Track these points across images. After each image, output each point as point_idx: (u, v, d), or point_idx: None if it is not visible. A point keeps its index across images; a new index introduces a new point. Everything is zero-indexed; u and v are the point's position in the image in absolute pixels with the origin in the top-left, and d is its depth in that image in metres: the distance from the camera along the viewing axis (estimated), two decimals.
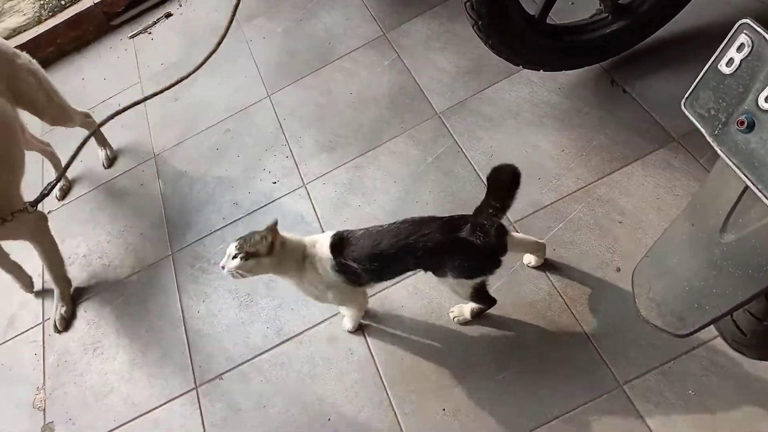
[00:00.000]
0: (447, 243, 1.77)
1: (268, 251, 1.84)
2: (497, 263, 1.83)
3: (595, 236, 2.13)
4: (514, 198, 1.68)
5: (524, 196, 2.27)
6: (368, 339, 2.19)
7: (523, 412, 1.89)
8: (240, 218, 2.69)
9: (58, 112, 2.80)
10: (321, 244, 1.89)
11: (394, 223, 1.88)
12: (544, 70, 2.32)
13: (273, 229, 1.85)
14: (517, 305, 2.07)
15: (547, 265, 2.11)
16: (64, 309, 2.65)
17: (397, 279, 2.13)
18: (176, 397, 2.31)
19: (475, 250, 1.74)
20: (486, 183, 1.69)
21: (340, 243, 1.87)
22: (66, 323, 2.65)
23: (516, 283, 2.11)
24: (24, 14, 3.96)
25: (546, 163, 2.35)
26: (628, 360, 1.86)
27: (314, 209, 2.60)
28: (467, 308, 2.07)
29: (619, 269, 2.04)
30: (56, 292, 2.66)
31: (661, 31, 2.40)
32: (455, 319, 2.11)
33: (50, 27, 3.86)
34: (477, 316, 2.07)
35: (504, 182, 1.65)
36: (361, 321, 2.22)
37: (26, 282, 2.79)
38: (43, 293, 2.82)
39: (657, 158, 2.21)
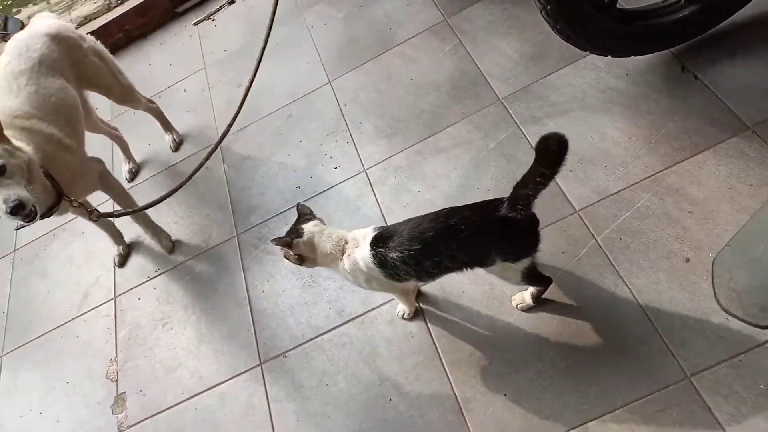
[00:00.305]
0: (487, 224, 1.76)
1: (298, 263, 1.96)
2: (538, 237, 1.83)
3: (664, 226, 2.09)
4: (562, 165, 1.66)
5: (590, 184, 2.26)
6: (428, 323, 2.22)
7: (586, 401, 1.89)
8: (303, 202, 2.72)
9: (124, 91, 2.91)
10: (362, 241, 1.91)
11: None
12: (612, 56, 2.28)
13: (289, 244, 1.91)
14: (580, 294, 2.06)
15: (612, 254, 2.09)
16: (163, 236, 2.88)
17: None
18: (241, 373, 2.39)
19: (515, 228, 1.74)
20: (535, 151, 1.67)
21: (381, 238, 1.87)
22: (173, 246, 2.90)
23: (580, 272, 2.10)
24: (95, 2, 4.10)
25: (612, 150, 2.31)
26: (695, 352, 1.84)
27: (374, 194, 2.63)
28: (527, 294, 2.07)
29: (688, 260, 2.00)
30: (141, 226, 2.85)
31: (735, 15, 2.32)
32: (518, 307, 2.12)
33: (119, 14, 3.99)
34: (538, 300, 2.07)
35: (553, 150, 1.64)
36: (421, 306, 2.25)
37: (118, 238, 2.95)
38: (115, 269, 2.95)
39: (730, 147, 2.15)
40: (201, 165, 2.59)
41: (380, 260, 1.84)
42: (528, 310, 2.10)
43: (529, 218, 1.76)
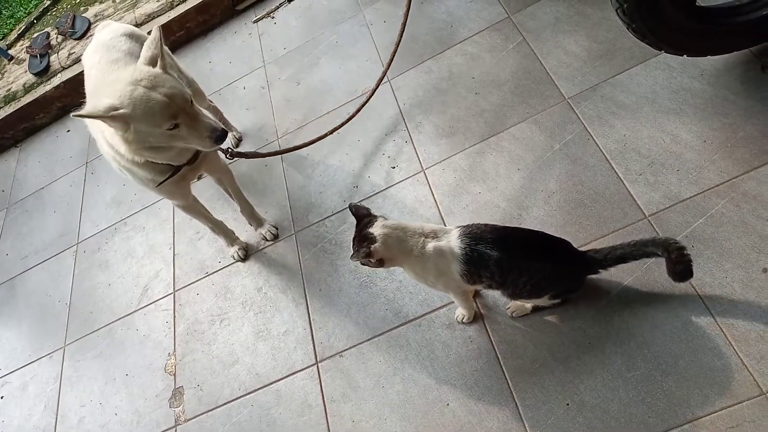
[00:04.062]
0: (576, 264, 1.91)
1: (377, 266, 1.91)
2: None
3: (740, 234, 1.99)
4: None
5: (661, 188, 2.17)
6: (488, 328, 2.17)
7: (653, 413, 1.82)
8: (360, 201, 2.72)
9: (192, 90, 2.93)
10: (442, 234, 1.89)
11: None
12: (688, 55, 2.18)
13: (369, 254, 1.84)
14: (649, 303, 1.98)
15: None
16: (267, 226, 2.85)
17: None
18: (298, 371, 2.39)
19: (585, 276, 1.95)
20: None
21: (471, 236, 1.85)
22: (275, 235, 2.85)
23: (649, 280, 2.02)
24: (158, 0, 4.17)
25: (685, 153, 2.22)
26: None
27: (433, 195, 2.59)
28: (529, 305, 2.10)
29: (765, 270, 1.91)
30: (252, 222, 2.86)
31: None
32: (514, 314, 2.13)
33: (181, 12, 4.04)
34: (538, 309, 2.11)
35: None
36: (481, 311, 2.20)
37: (231, 237, 2.89)
38: (174, 264, 2.99)
39: None
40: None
41: (469, 255, 1.82)
42: (524, 315, 2.14)
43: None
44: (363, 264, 1.90)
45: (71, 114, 1.90)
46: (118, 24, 2.63)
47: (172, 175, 2.27)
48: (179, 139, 2.05)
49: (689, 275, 1.75)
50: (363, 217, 1.94)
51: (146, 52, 2.03)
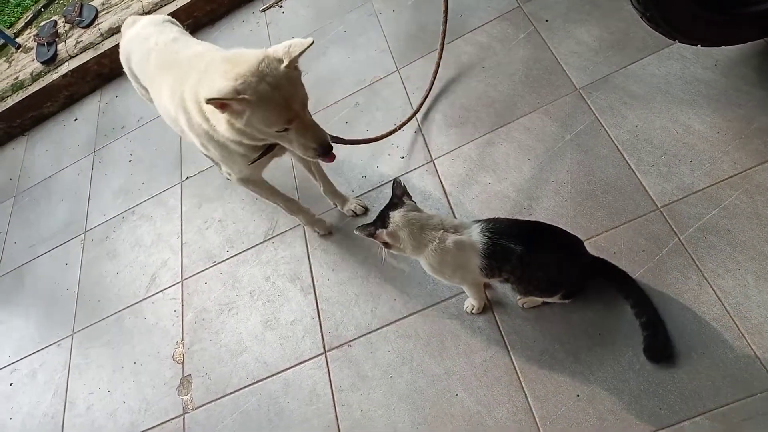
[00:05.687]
0: (587, 265, 1.95)
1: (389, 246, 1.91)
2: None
3: (753, 226, 1.97)
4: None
5: (673, 180, 2.15)
6: (498, 319, 2.16)
7: (665, 405, 1.80)
8: (369, 191, 2.72)
9: None
10: (462, 228, 1.87)
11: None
12: (702, 45, 2.15)
13: (372, 234, 1.87)
14: (661, 295, 1.97)
15: (696, 254, 1.99)
16: (354, 202, 2.70)
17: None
18: (306, 361, 2.39)
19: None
20: None
21: (495, 230, 1.83)
22: (365, 207, 2.69)
23: (661, 272, 2.01)
24: None
25: (698, 144, 2.20)
26: None
27: (442, 185, 2.58)
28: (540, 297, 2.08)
29: None
30: (336, 200, 2.72)
31: None
32: (524, 305, 2.12)
33: (189, 1, 4.02)
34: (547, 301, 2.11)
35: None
36: (490, 302, 2.19)
37: (308, 215, 2.71)
38: (182, 253, 2.99)
39: None
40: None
41: (491, 250, 1.81)
42: (532, 307, 2.13)
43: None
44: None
45: (204, 100, 1.77)
46: (148, 17, 2.60)
47: (266, 153, 2.17)
48: (284, 141, 1.97)
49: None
50: (396, 197, 1.91)
51: (284, 48, 1.91)
